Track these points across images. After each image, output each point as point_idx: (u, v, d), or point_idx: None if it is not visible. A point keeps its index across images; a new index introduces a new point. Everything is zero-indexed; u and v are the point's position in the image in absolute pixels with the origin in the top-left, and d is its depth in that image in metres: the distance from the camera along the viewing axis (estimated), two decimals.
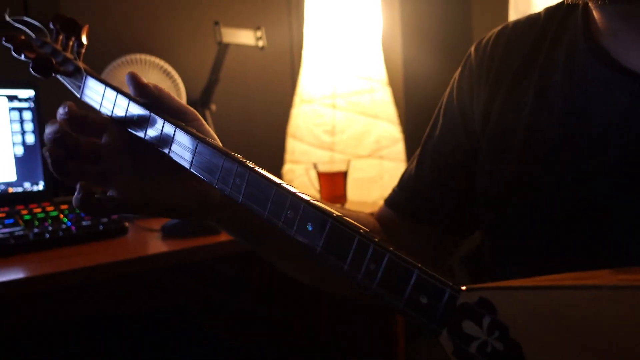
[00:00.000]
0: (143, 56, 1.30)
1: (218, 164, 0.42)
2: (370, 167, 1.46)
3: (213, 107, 1.50)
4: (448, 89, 0.67)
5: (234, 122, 1.64)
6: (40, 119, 1.19)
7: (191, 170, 0.44)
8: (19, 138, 1.16)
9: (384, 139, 1.48)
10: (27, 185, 1.17)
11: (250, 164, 0.41)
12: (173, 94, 1.39)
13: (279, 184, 0.39)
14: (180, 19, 1.57)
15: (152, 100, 0.48)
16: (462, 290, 0.33)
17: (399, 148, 1.53)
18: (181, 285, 1.14)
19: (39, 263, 0.82)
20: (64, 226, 0.92)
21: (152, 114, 0.46)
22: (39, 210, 0.96)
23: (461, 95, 0.64)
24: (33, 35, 0.59)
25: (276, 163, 1.63)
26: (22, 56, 0.54)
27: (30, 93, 1.18)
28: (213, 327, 1.44)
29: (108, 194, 0.48)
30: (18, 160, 1.16)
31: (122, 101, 0.48)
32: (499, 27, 0.64)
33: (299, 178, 1.47)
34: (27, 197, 1.14)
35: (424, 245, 0.68)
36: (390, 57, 1.76)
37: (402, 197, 0.68)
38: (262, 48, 1.53)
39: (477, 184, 0.61)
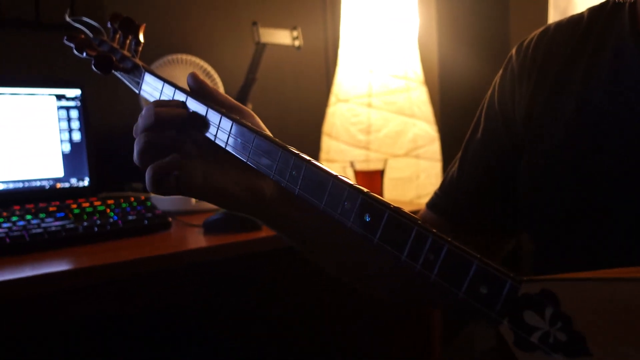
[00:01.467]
0: (184, 56, 1.33)
1: (275, 156, 0.43)
2: (406, 166, 1.45)
3: (249, 105, 1.52)
4: (489, 92, 0.67)
5: (270, 120, 1.64)
6: (86, 117, 1.23)
7: (247, 162, 0.45)
8: (66, 136, 1.20)
9: (420, 138, 1.47)
10: (73, 181, 1.21)
11: (307, 157, 0.42)
12: None
13: (336, 176, 0.40)
14: (219, 20, 1.59)
15: (209, 96, 0.50)
16: (524, 280, 0.33)
17: (435, 147, 1.52)
18: (221, 279, 1.16)
19: (89, 255, 0.85)
20: (111, 220, 0.95)
21: (209, 109, 0.48)
22: (87, 204, 0.99)
23: (503, 98, 0.64)
24: (91, 34, 0.61)
25: None
26: (84, 54, 0.56)
27: (76, 92, 1.22)
28: (250, 323, 1.46)
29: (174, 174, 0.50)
30: (65, 157, 1.20)
31: (180, 96, 0.50)
32: (541, 29, 0.64)
33: None
34: (74, 193, 1.18)
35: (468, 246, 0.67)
36: (426, 56, 1.75)
37: (443, 200, 0.68)
38: (299, 48, 1.55)
39: (520, 184, 0.61)
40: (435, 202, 0.69)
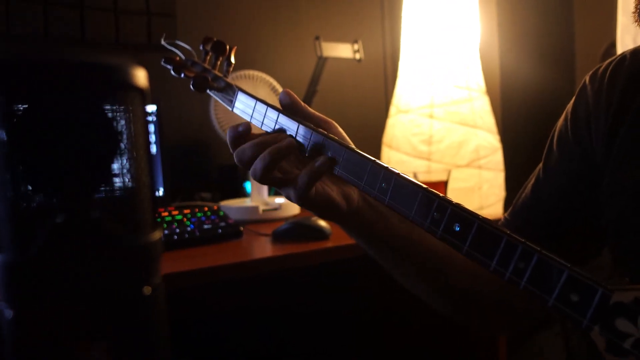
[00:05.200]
0: (251, 72, 1.39)
1: (365, 168, 0.46)
2: (469, 177, 1.45)
3: None
4: (561, 120, 0.67)
5: None
6: (161, 131, 1.31)
7: (338, 174, 0.48)
8: None
9: (483, 149, 1.47)
10: None
11: (396, 170, 0.45)
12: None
13: (426, 188, 0.42)
14: (283, 35, 1.65)
15: (299, 111, 0.53)
16: (616, 289, 0.34)
17: (498, 157, 1.51)
18: (290, 288, 1.20)
19: (170, 262, 0.90)
20: (188, 229, 1.01)
21: (300, 125, 0.51)
22: (166, 214, 1.06)
23: (577, 127, 0.64)
24: (183, 56, 0.66)
25: None
26: (182, 75, 0.61)
27: (152, 108, 1.30)
28: (314, 331, 1.49)
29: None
30: None
31: (272, 113, 0.54)
32: (617, 57, 0.63)
33: None
34: None
35: None
36: (488, 65, 1.75)
37: (513, 225, 0.68)
38: (360, 60, 1.58)
39: (604, 214, 0.61)
40: (506, 227, 0.69)
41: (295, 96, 0.55)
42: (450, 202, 0.41)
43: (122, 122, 0.30)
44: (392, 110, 1.59)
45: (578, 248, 0.66)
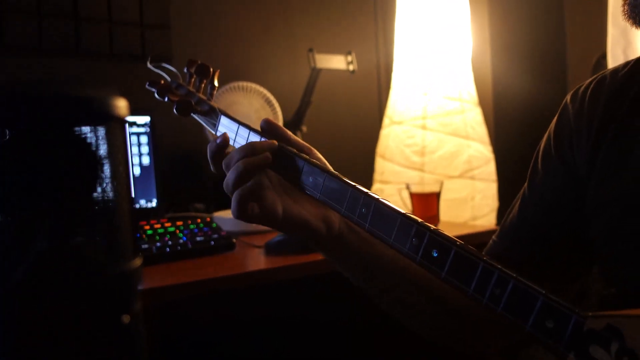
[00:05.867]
0: (246, 84, 1.40)
1: (345, 194, 0.47)
2: (461, 188, 1.46)
3: (304, 128, 1.57)
4: (544, 139, 0.68)
5: (324, 142, 1.70)
6: (155, 142, 1.31)
7: (319, 199, 0.49)
8: (136, 160, 1.29)
9: (475, 159, 1.48)
10: (142, 202, 1.29)
11: (376, 195, 0.45)
12: (272, 119, 1.47)
13: (405, 213, 0.43)
14: (276, 47, 1.66)
15: (281, 137, 0.54)
16: (589, 316, 0.35)
17: (491, 168, 1.52)
18: (283, 300, 1.20)
19: (162, 274, 0.91)
20: (180, 241, 1.01)
21: (283, 148, 0.52)
22: (158, 226, 1.06)
23: (560, 145, 0.65)
24: (169, 78, 0.67)
25: (365, 183, 1.65)
26: (166, 99, 0.62)
27: (146, 119, 1.31)
28: (309, 342, 1.49)
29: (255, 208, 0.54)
30: (135, 179, 1.29)
31: (254, 138, 0.54)
32: (597, 77, 0.64)
33: (389, 198, 1.48)
34: (143, 213, 1.26)
35: None
36: (480, 76, 1.76)
37: (501, 247, 0.69)
38: (353, 72, 1.59)
39: (591, 231, 0.62)
40: (493, 250, 0.70)
41: (276, 124, 0.55)
42: (428, 227, 0.41)
43: (103, 151, 0.31)
44: (386, 121, 1.60)
45: (567, 264, 0.66)
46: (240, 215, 0.53)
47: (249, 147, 0.52)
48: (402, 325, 0.68)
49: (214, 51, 1.56)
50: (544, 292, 0.36)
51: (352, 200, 0.46)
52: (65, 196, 0.32)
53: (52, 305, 0.31)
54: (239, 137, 0.56)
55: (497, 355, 0.70)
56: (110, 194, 0.33)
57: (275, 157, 0.53)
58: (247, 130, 0.56)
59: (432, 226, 0.42)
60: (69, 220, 0.33)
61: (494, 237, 0.71)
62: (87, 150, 0.32)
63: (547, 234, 0.66)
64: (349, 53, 1.59)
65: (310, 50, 1.51)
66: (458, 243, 0.40)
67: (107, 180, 0.33)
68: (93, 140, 0.32)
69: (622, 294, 0.60)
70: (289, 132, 0.56)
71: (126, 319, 0.34)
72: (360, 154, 1.74)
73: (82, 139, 0.32)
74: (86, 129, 0.32)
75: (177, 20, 1.48)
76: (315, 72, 1.52)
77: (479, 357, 0.71)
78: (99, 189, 0.33)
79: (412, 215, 0.43)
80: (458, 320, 0.66)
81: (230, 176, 0.53)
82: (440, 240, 0.41)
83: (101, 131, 0.33)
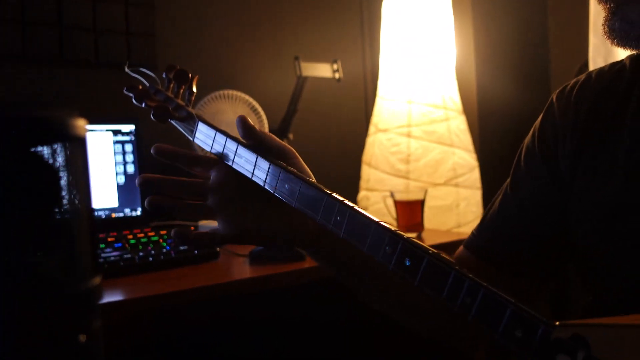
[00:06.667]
0: (230, 91, 1.40)
1: (320, 202, 0.47)
2: (446, 195, 1.47)
3: (291, 136, 1.57)
4: (529, 137, 0.68)
5: (310, 150, 1.70)
6: (140, 151, 1.31)
7: (295, 207, 0.49)
8: (121, 168, 1.28)
9: (460, 167, 1.49)
10: (127, 210, 1.28)
11: (350, 204, 0.46)
12: (257, 126, 1.47)
13: (378, 222, 0.43)
14: (262, 56, 1.67)
15: (257, 141, 0.54)
16: (556, 325, 0.35)
17: (475, 175, 1.53)
18: (265, 309, 1.20)
19: (145, 284, 0.90)
20: (164, 250, 1.01)
21: (259, 157, 0.52)
22: (142, 235, 1.05)
23: (544, 144, 0.65)
24: (147, 83, 0.67)
25: (351, 190, 1.67)
26: (143, 104, 0.61)
27: (131, 127, 1.30)
28: (291, 353, 1.48)
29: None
30: (120, 188, 1.28)
31: (231, 144, 0.54)
32: (583, 76, 0.65)
33: (374, 205, 1.50)
34: (127, 222, 1.25)
35: (503, 289, 0.67)
36: (465, 84, 1.77)
37: (481, 241, 0.69)
38: (339, 80, 1.60)
39: (574, 229, 0.62)
40: (472, 242, 0.70)
41: (250, 123, 0.55)
42: (401, 236, 0.42)
43: (61, 171, 0.31)
44: (371, 129, 1.61)
45: (543, 263, 0.66)
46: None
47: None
48: (403, 327, 0.68)
49: (199, 59, 1.56)
50: (513, 301, 0.37)
51: (327, 208, 0.46)
52: (22, 215, 0.32)
53: (6, 325, 0.31)
54: (216, 143, 0.56)
55: (486, 356, 0.70)
56: (69, 213, 0.33)
57: (249, 165, 0.53)
58: (224, 137, 0.56)
59: (406, 235, 0.42)
60: (26, 240, 0.32)
61: (473, 230, 0.71)
62: (45, 170, 0.32)
63: (525, 232, 0.66)
64: (335, 61, 1.59)
65: (297, 58, 1.51)
66: (431, 252, 0.41)
67: (66, 199, 0.33)
68: (51, 160, 0.32)
69: (600, 302, 0.61)
70: (268, 134, 0.55)
71: (82, 338, 0.33)
72: (347, 162, 1.74)
73: (40, 159, 0.32)
74: (44, 149, 0.32)
75: (163, 28, 1.48)
76: (302, 80, 1.53)
77: (469, 357, 0.71)
78: (56, 208, 0.33)
79: (385, 224, 0.43)
80: (448, 318, 0.66)
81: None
82: (413, 248, 0.41)
83: (59, 150, 0.32)
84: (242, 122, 0.55)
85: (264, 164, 0.52)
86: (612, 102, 0.60)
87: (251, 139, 0.55)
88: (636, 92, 0.58)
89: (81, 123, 0.31)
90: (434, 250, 0.41)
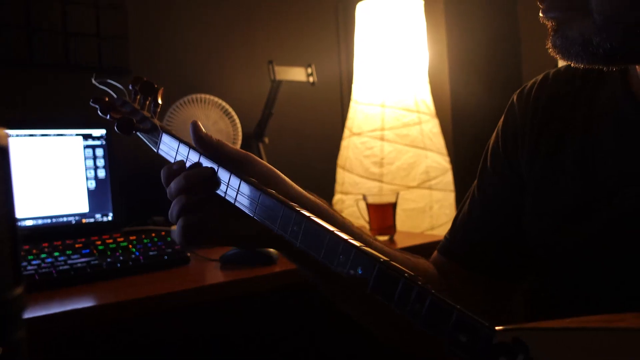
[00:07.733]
0: (203, 96, 1.40)
1: (278, 212, 0.47)
2: (419, 198, 1.49)
3: (266, 140, 1.58)
4: (493, 137, 0.69)
5: (286, 154, 1.71)
6: (111, 155, 1.30)
7: (254, 217, 0.50)
8: (91, 173, 1.27)
9: (433, 170, 1.51)
10: (98, 216, 1.27)
11: (307, 213, 0.46)
12: (231, 131, 1.47)
13: (332, 231, 0.44)
14: (236, 59, 1.67)
15: (213, 149, 0.54)
16: (497, 330, 0.36)
17: (448, 178, 1.55)
18: (238, 313, 1.20)
19: (112, 291, 0.90)
20: (133, 256, 1.00)
21: (220, 167, 0.53)
22: (110, 241, 1.05)
23: (506, 143, 0.66)
24: (115, 95, 0.67)
25: (326, 193, 1.68)
26: (108, 116, 0.61)
27: (102, 132, 1.29)
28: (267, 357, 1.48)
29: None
30: (90, 193, 1.27)
31: (194, 156, 0.55)
32: (540, 76, 0.66)
33: (349, 208, 1.51)
34: (98, 227, 1.25)
35: (479, 291, 0.69)
36: (438, 89, 1.80)
37: (453, 245, 0.70)
38: (313, 84, 1.61)
39: (529, 232, 0.64)
40: (444, 247, 0.71)
41: (205, 135, 0.55)
42: (354, 245, 0.43)
43: None
44: (346, 132, 1.62)
45: (515, 264, 0.68)
46: (186, 245, 0.54)
47: (185, 182, 0.53)
48: (376, 335, 0.68)
49: (171, 62, 1.55)
50: (457, 306, 0.38)
51: (284, 218, 0.47)
52: None
53: None
54: (179, 155, 0.57)
55: None
56: None
57: (211, 177, 0.53)
58: (187, 148, 0.56)
59: (359, 244, 0.43)
60: None
61: (446, 234, 0.72)
62: None
63: (494, 234, 0.67)
64: (309, 65, 1.60)
65: (270, 62, 1.52)
66: (382, 259, 0.41)
67: None
68: None
69: (551, 302, 0.63)
70: (224, 143, 0.56)
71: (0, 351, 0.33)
72: (322, 165, 1.75)
73: None
74: None
75: (135, 31, 1.47)
76: (276, 84, 1.53)
77: None
78: None
79: (340, 234, 0.44)
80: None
81: (173, 209, 0.54)
82: (364, 257, 0.42)
83: None
84: (194, 129, 0.55)
85: (224, 175, 0.52)
86: (564, 105, 0.62)
87: (202, 147, 0.55)
88: (585, 97, 0.60)
89: (1, 133, 0.31)
90: (385, 259, 0.42)
